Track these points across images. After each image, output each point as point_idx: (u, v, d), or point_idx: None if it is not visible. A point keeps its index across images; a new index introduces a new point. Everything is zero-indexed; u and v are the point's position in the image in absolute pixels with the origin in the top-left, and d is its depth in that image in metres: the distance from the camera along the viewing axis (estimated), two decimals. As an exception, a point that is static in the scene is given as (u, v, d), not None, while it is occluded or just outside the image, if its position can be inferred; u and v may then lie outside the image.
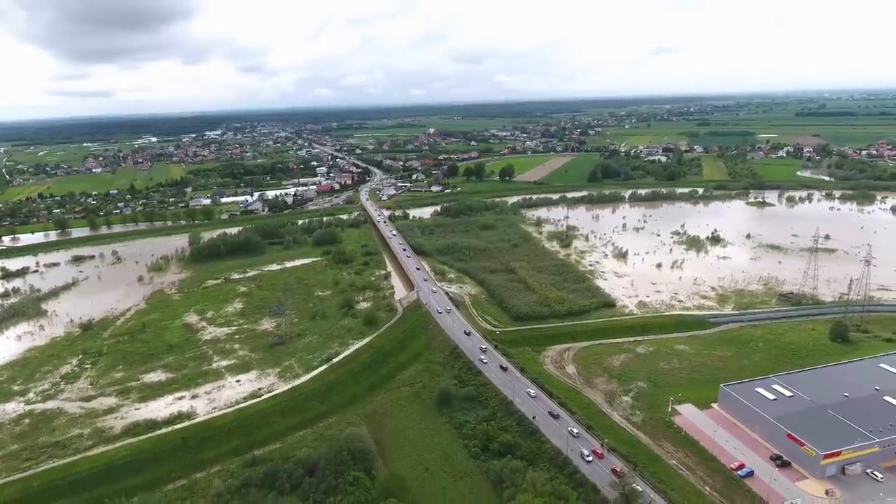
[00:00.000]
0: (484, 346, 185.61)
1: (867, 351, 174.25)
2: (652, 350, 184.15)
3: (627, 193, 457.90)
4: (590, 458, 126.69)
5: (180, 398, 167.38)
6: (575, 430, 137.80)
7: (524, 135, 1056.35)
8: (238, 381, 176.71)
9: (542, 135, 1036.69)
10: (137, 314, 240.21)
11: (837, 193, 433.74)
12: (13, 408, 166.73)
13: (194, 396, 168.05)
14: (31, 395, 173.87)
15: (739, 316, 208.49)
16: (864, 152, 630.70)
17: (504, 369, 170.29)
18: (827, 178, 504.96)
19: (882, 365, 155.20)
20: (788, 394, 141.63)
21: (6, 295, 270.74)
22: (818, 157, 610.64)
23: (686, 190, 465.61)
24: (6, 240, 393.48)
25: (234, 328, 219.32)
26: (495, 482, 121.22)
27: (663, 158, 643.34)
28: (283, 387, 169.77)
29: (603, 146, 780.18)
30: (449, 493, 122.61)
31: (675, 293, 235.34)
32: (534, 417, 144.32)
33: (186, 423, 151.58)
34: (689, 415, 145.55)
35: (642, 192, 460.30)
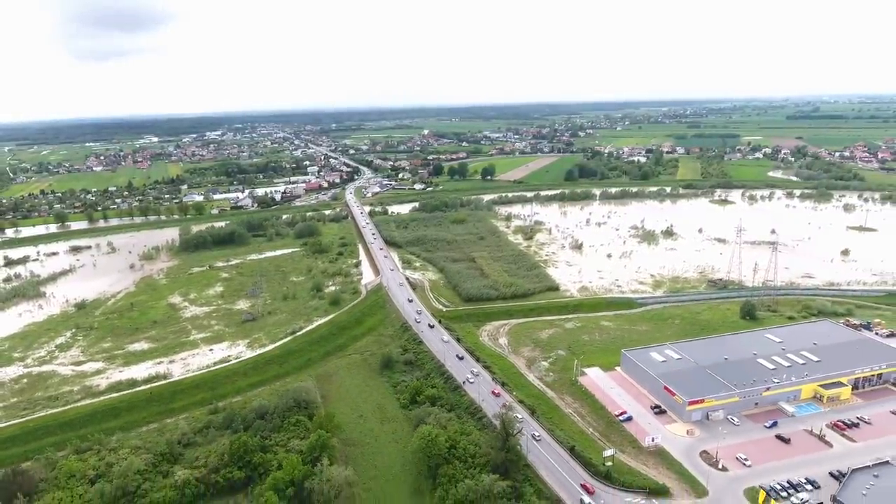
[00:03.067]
0: (431, 322, 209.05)
1: (767, 325, 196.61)
2: (579, 325, 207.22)
3: (598, 192, 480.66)
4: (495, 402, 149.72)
5: (159, 363, 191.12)
6: (474, 370, 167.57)
7: (516, 136, 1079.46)
8: (211, 349, 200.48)
9: (533, 136, 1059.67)
10: (127, 296, 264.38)
11: (798, 192, 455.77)
12: (14, 370, 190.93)
13: (171, 362, 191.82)
14: (29, 360, 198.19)
15: (665, 298, 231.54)
16: (837, 154, 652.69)
17: (445, 342, 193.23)
18: (794, 179, 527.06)
19: (767, 335, 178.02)
20: (677, 357, 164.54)
21: (8, 279, 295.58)
22: (792, 159, 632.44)
23: (655, 189, 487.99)
24: (9, 232, 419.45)
25: (212, 307, 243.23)
26: (415, 424, 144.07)
27: (643, 159, 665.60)
28: (249, 354, 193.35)
29: (588, 147, 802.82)
30: (375, 431, 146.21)
31: (616, 279, 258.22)
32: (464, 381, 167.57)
33: (162, 382, 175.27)
34: (594, 376, 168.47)
35: (613, 190, 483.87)
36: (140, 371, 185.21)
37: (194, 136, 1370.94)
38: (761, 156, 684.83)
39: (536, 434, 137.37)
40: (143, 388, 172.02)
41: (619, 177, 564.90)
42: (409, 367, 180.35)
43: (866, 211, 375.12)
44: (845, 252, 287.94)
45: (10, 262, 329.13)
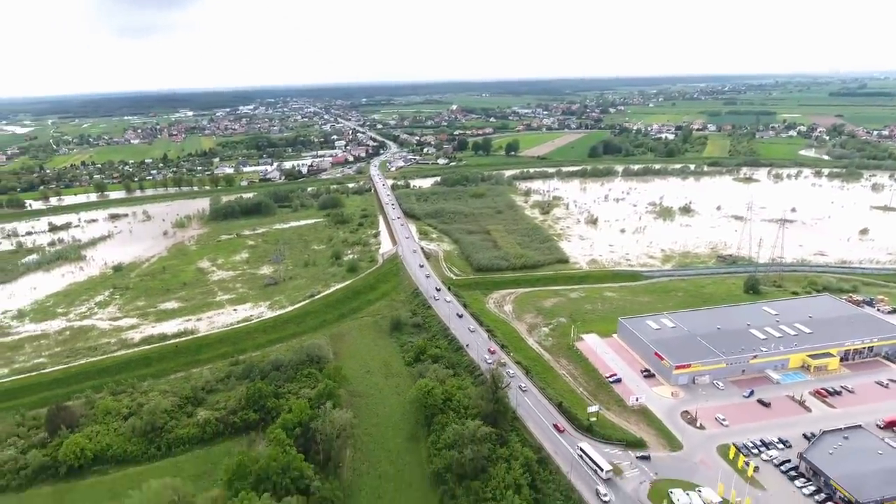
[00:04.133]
0: (439, 288, 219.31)
1: (769, 299, 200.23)
2: (583, 296, 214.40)
3: (621, 168, 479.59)
4: (489, 359, 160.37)
5: (187, 320, 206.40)
6: (471, 327, 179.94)
7: (545, 112, 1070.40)
8: (235, 309, 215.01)
9: (563, 113, 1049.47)
10: (160, 260, 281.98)
11: (826, 171, 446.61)
12: (58, 323, 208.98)
13: (199, 319, 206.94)
14: (71, 315, 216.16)
15: (671, 271, 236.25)
16: (876, 133, 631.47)
17: (448, 304, 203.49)
18: (825, 158, 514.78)
19: (765, 308, 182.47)
20: (671, 325, 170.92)
21: (53, 244, 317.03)
22: (826, 138, 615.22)
23: (679, 166, 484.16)
24: (53, 200, 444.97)
25: (238, 272, 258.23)
26: (416, 379, 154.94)
27: (671, 136, 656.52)
28: (270, 314, 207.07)
29: (616, 124, 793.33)
30: (380, 385, 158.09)
31: (627, 253, 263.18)
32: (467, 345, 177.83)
33: (189, 337, 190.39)
34: (590, 342, 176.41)
35: (635, 167, 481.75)
36: (170, 327, 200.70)
37: (227, 110, 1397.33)
38: (795, 134, 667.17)
39: (523, 385, 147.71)
40: (172, 341, 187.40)
41: (645, 154, 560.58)
42: (417, 330, 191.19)
43: (893, 191, 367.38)
44: (864, 231, 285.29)
45: (54, 228, 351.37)
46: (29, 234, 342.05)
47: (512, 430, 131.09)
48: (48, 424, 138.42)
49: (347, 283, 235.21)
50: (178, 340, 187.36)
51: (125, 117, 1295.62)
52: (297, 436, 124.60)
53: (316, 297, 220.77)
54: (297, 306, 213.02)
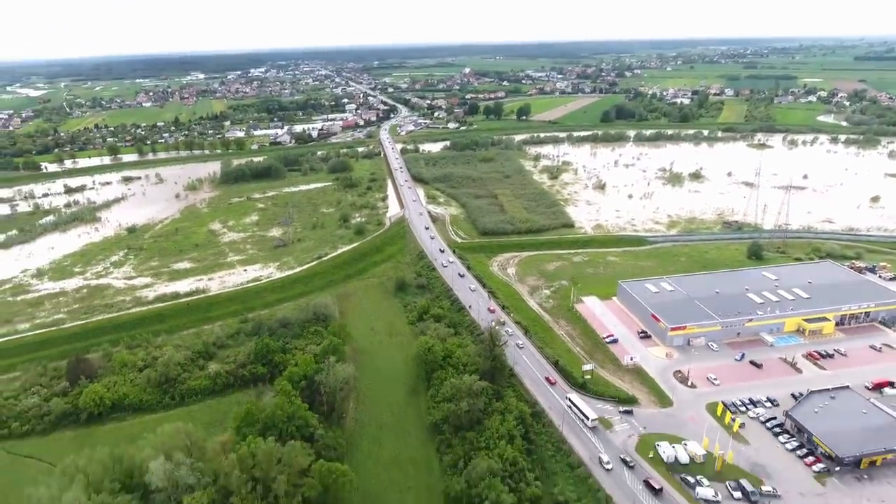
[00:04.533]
0: (443, 250, 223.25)
1: (772, 265, 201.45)
2: (586, 260, 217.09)
3: (633, 134, 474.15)
4: (490, 319, 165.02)
5: (199, 280, 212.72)
6: (472, 287, 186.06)
7: (559, 76, 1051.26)
8: (245, 270, 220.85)
9: (577, 76, 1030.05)
10: (172, 222, 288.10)
11: (843, 138, 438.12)
12: (75, 282, 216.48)
13: (210, 279, 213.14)
14: (88, 274, 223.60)
15: (676, 237, 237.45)
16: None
17: (452, 266, 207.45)
18: (844, 124, 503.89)
19: (765, 273, 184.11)
20: (670, 289, 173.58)
21: (69, 205, 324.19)
22: (847, 103, 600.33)
23: (692, 131, 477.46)
24: (68, 163, 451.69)
25: (248, 234, 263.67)
26: (418, 336, 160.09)
27: (687, 101, 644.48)
28: (278, 275, 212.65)
29: (631, 88, 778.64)
30: (384, 342, 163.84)
31: (633, 219, 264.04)
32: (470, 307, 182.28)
33: (201, 296, 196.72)
34: (590, 304, 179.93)
35: (647, 132, 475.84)
36: (183, 286, 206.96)
37: (239, 73, 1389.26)
38: (814, 99, 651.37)
39: (520, 342, 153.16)
40: (184, 300, 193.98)
41: (658, 119, 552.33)
42: (421, 290, 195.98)
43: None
44: (875, 199, 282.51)
45: (69, 190, 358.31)
46: (45, 195, 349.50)
47: (508, 387, 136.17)
48: (69, 375, 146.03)
49: (354, 245, 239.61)
50: (189, 299, 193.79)
51: (137, 80, 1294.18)
52: (303, 388, 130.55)
53: (323, 258, 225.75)
54: (304, 267, 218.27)
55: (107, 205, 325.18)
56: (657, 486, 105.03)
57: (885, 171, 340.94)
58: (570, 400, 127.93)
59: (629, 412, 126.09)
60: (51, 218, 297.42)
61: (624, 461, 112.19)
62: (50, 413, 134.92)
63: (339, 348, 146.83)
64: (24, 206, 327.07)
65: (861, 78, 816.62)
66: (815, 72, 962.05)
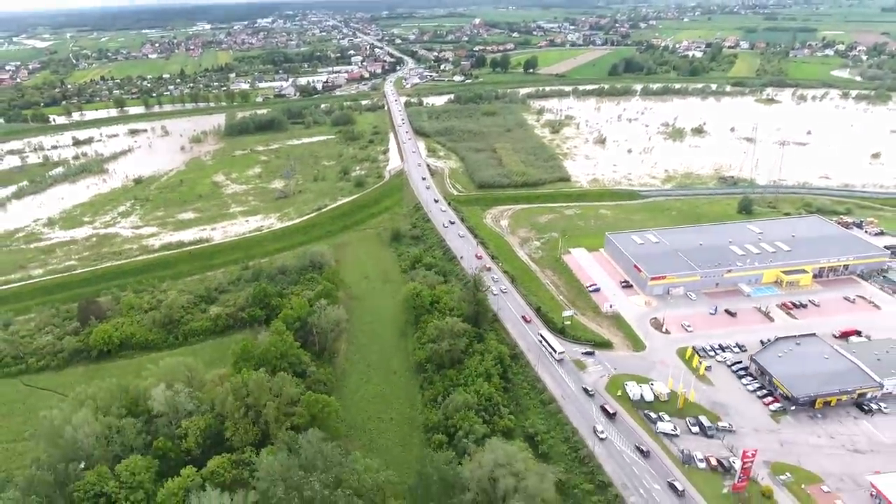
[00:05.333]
0: (437, 200, 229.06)
1: (761, 219, 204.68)
2: (578, 213, 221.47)
3: (639, 87, 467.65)
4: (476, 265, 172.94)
5: (203, 229, 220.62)
6: (461, 232, 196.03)
7: (571, 27, 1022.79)
8: (247, 220, 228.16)
9: (590, 27, 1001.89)
10: (178, 173, 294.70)
11: (854, 93, 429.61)
12: (84, 231, 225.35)
13: (213, 229, 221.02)
14: (96, 223, 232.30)
15: (669, 191, 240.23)
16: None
17: (446, 217, 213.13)
18: (858, 79, 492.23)
19: (749, 226, 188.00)
20: (655, 241, 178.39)
21: (77, 157, 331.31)
22: (864, 57, 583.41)
23: (700, 86, 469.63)
24: (75, 115, 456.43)
25: (251, 186, 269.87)
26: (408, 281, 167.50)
27: (699, 54, 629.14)
28: (279, 225, 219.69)
29: (644, 40, 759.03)
30: (376, 289, 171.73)
31: (629, 173, 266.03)
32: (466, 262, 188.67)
33: (205, 244, 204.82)
34: (577, 255, 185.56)
35: (654, 86, 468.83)
36: (187, 235, 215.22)
37: (245, 23, 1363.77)
38: (832, 53, 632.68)
39: (504, 288, 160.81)
40: (188, 248, 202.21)
41: (668, 72, 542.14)
42: (416, 241, 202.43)
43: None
44: (875, 155, 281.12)
45: (77, 142, 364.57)
46: (55, 147, 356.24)
47: (491, 330, 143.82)
48: (80, 316, 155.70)
49: (354, 197, 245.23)
50: (193, 248, 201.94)
51: (143, 31, 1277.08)
52: (297, 329, 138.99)
53: (323, 209, 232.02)
54: (304, 218, 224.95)
55: (114, 157, 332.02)
56: (612, 411, 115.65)
57: (890, 127, 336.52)
58: (541, 335, 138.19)
59: (591, 353, 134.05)
60: (60, 169, 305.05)
61: (585, 390, 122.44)
62: (63, 350, 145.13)
63: (331, 293, 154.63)
64: (33, 158, 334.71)
65: (884, 31, 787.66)
66: (837, 24, 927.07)
